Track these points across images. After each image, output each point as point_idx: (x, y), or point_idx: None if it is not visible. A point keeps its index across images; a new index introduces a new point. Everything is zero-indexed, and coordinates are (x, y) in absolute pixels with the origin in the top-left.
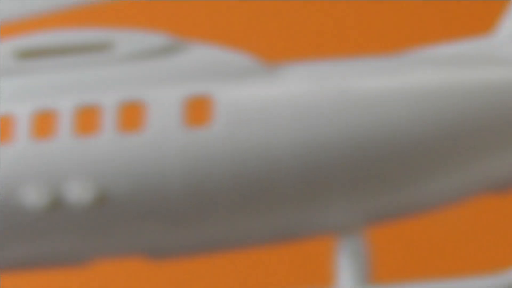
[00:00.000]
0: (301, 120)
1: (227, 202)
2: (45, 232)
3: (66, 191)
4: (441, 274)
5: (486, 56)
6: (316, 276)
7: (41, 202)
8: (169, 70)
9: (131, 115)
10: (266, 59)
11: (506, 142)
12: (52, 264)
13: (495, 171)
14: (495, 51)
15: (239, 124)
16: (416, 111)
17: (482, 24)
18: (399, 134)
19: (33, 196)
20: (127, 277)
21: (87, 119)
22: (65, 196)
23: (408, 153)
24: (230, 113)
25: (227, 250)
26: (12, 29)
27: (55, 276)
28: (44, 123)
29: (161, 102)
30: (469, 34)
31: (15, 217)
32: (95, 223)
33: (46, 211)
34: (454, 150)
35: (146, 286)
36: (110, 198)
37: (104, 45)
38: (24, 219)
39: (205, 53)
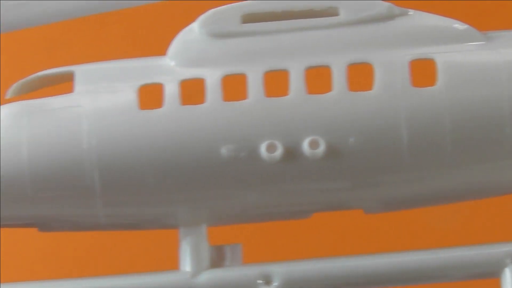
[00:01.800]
0: None
1: (448, 155)
2: (279, 183)
3: (299, 145)
4: None
5: None
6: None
7: (276, 155)
8: (393, 34)
9: (359, 76)
10: None
11: None
12: (279, 216)
13: None
14: None
15: (460, 84)
16: None
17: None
18: None
19: (269, 149)
20: None
21: (316, 78)
22: (298, 150)
23: None
24: (452, 74)
25: (429, 204)
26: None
27: None
28: (274, 83)
29: (388, 64)
30: None
31: (252, 168)
32: (324, 176)
33: (281, 163)
34: None
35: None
36: (340, 152)
37: (327, 11)
38: (260, 171)
39: (425, 19)
